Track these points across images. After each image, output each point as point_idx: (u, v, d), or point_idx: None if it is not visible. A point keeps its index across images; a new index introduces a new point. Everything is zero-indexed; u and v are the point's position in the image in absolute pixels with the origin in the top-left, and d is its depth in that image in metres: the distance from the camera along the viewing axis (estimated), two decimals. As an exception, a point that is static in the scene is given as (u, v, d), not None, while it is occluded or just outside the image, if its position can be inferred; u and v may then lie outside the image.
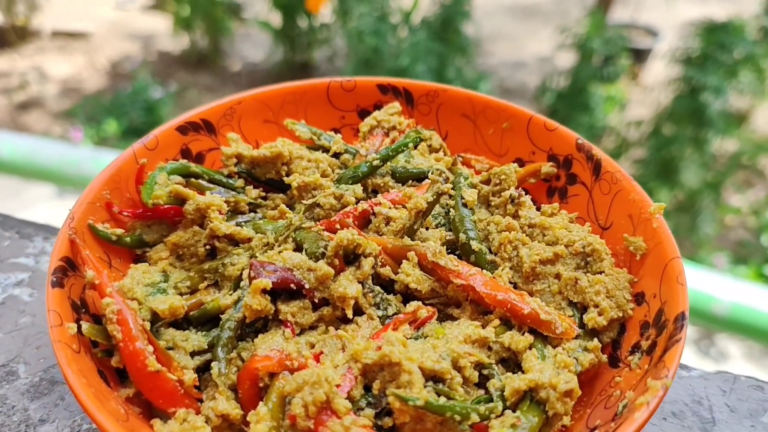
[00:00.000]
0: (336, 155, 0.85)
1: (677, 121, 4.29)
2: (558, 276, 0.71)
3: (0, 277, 0.93)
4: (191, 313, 0.69)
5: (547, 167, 0.84)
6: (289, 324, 0.66)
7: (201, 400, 0.63)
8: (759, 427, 0.79)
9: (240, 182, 0.83)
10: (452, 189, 0.76)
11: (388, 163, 0.81)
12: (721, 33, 4.09)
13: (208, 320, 0.70)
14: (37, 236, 1.01)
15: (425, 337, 0.66)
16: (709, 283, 3.57)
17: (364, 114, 0.93)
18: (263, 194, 0.83)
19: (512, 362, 0.67)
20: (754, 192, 5.17)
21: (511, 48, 7.05)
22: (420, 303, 0.68)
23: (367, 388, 0.61)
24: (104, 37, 7.14)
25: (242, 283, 0.69)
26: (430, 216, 0.76)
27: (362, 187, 0.79)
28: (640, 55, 6.39)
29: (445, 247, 0.73)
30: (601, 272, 0.71)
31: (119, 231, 0.74)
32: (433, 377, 0.61)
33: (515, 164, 0.81)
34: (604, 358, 0.68)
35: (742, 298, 3.45)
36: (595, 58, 4.72)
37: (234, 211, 0.79)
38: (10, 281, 0.93)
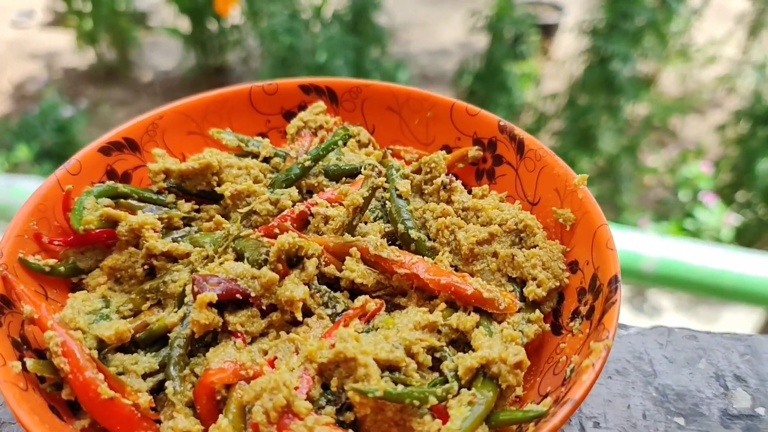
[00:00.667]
0: (266, 160, 0.85)
1: (590, 90, 4.45)
2: (495, 254, 0.74)
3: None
4: (137, 335, 0.68)
5: (474, 151, 0.87)
6: (239, 334, 0.66)
7: (159, 421, 0.63)
8: (696, 373, 0.84)
9: (171, 197, 0.81)
10: (386, 182, 0.77)
11: (320, 162, 0.82)
12: (623, 3, 4.26)
13: (156, 340, 0.69)
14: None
15: (376, 330, 0.67)
16: (635, 243, 3.73)
17: (289, 116, 0.93)
18: (196, 207, 0.82)
19: (461, 342, 0.69)
20: (668, 151, 5.42)
21: (425, 35, 7.12)
22: (367, 297, 0.70)
23: (325, 387, 0.62)
24: (3, 58, 6.80)
25: (186, 299, 0.68)
26: (367, 210, 0.77)
27: (297, 189, 0.79)
28: (548, 31, 6.59)
29: (385, 239, 0.74)
30: (535, 246, 0.74)
31: (52, 261, 0.72)
32: (389, 367, 0.62)
33: (443, 151, 0.83)
34: (547, 327, 0.71)
35: (667, 253, 3.62)
36: (507, 37, 4.84)
37: (168, 228, 0.78)
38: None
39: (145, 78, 6.65)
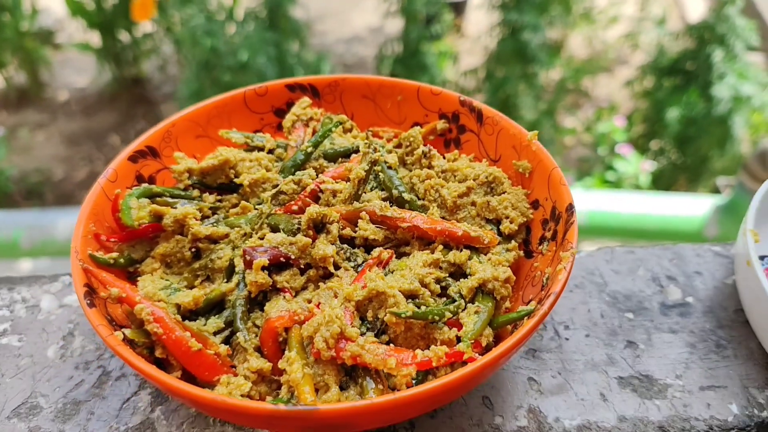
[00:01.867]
0: (270, 151, 1.01)
1: (505, 62, 4.66)
2: (474, 203, 0.93)
3: (-19, 333, 1.00)
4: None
5: (441, 124, 1.05)
6: (286, 289, 0.82)
7: (233, 366, 0.78)
8: (637, 279, 1.06)
9: (196, 192, 0.96)
10: (379, 156, 0.95)
11: (318, 147, 0.98)
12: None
13: (212, 308, 0.84)
14: (0, 289, 1.07)
15: (392, 272, 0.85)
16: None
17: (279, 113, 1.08)
18: (219, 198, 0.97)
19: (458, 273, 0.87)
20: (584, 111, 5.74)
21: (340, 24, 7.23)
22: (380, 249, 0.87)
23: (362, 319, 0.80)
24: None
25: (237, 269, 0.84)
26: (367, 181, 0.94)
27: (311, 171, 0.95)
28: (458, 8, 6.82)
29: (386, 202, 0.92)
30: (503, 192, 0.93)
31: (114, 255, 0.86)
32: (409, 296, 0.80)
33: (417, 127, 1.01)
34: (521, 253, 0.91)
35: (594, 205, 3.91)
36: (420, 19, 5.00)
37: (201, 217, 0.93)
38: (-8, 334, 1.00)
39: (61, 97, 6.47)
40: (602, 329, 0.98)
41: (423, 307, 0.78)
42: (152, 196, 0.92)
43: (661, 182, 4.73)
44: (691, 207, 3.67)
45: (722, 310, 1.01)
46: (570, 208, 0.83)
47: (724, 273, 1.07)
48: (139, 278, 0.84)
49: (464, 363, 0.73)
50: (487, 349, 0.77)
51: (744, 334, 0.97)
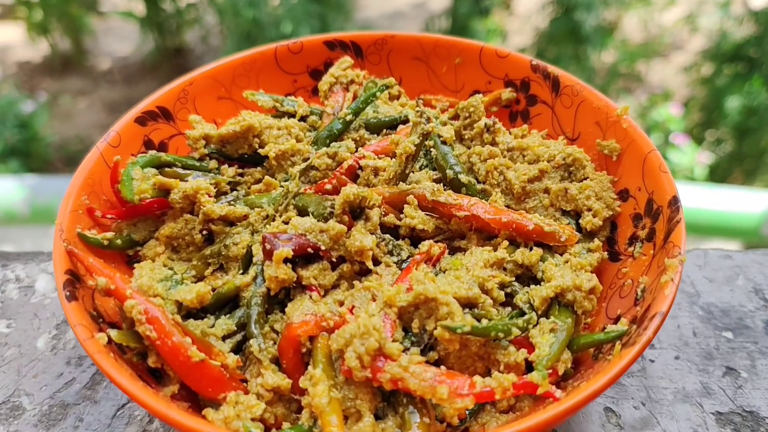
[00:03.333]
0: (302, 119, 0.85)
1: (557, 42, 4.48)
2: (547, 190, 0.76)
3: (-34, 316, 0.88)
4: (205, 299, 0.68)
5: (507, 93, 0.87)
6: (313, 288, 0.67)
7: (244, 380, 0.63)
8: (736, 290, 0.88)
9: (213, 163, 0.81)
10: (432, 128, 0.78)
11: (359, 116, 0.82)
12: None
13: (225, 303, 0.69)
14: (-7, 265, 0.95)
15: (443, 272, 0.69)
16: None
17: (315, 74, 0.92)
18: (240, 171, 0.81)
19: (526, 277, 0.70)
20: (636, 96, 5.49)
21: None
22: (431, 241, 0.71)
23: (404, 330, 0.64)
24: (-49, 57, 6.54)
25: (255, 259, 0.69)
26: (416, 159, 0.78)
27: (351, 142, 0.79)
28: (509, -16, 6.58)
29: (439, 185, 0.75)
30: (585, 178, 0.76)
31: (109, 234, 0.71)
32: (466, 304, 0.63)
33: (479, 95, 0.84)
34: (606, 255, 0.73)
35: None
36: (469, -5, 4.81)
37: (217, 193, 0.78)
38: (-22, 317, 0.88)
39: (103, 65, 6.48)
40: (695, 351, 0.81)
41: (484, 320, 0.61)
42: (161, 166, 0.77)
43: (717, 174, 4.49)
44: (749, 202, 3.44)
45: None
46: (674, 202, 0.66)
47: None
48: (136, 265, 0.69)
49: (537, 397, 0.56)
50: (565, 377, 0.60)
51: None
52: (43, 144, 5.09)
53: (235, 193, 0.79)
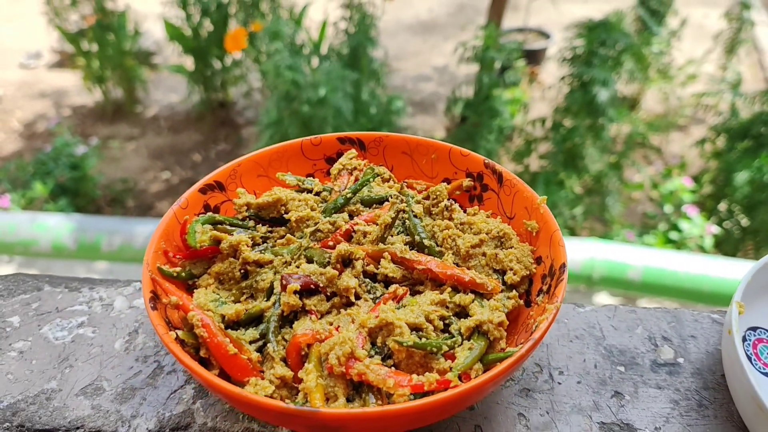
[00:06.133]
0: (317, 194, 1.18)
1: (573, 114, 4.72)
2: (484, 254, 1.06)
3: (65, 323, 1.20)
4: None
5: (467, 182, 1.19)
6: (313, 312, 0.98)
7: (262, 371, 0.94)
8: (634, 336, 1.16)
9: (251, 223, 1.13)
10: (405, 206, 1.10)
11: (357, 194, 1.14)
12: (600, 30, 4.57)
13: (252, 321, 1.01)
14: (83, 288, 1.28)
15: (404, 306, 0.99)
16: (622, 254, 4.01)
17: (329, 161, 1.25)
18: (270, 229, 1.14)
19: (462, 314, 1.00)
20: (654, 166, 5.69)
21: (415, 63, 7.47)
22: (397, 285, 1.01)
23: (372, 344, 0.94)
24: (13, 99, 7.04)
25: (275, 291, 1.00)
26: (393, 227, 1.09)
27: (346, 214, 1.11)
28: (536, 56, 6.89)
29: (407, 246, 1.07)
30: (511, 247, 1.06)
31: (177, 269, 1.04)
32: (415, 328, 0.94)
33: (444, 183, 1.16)
34: (521, 302, 1.03)
35: (651, 262, 3.91)
36: (495, 67, 5.12)
37: (253, 244, 1.10)
38: (72, 324, 1.20)
39: (150, 113, 6.89)
40: (593, 378, 1.09)
41: (424, 339, 0.92)
42: (214, 223, 1.10)
43: (727, 246, 4.64)
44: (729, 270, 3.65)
45: (710, 374, 1.09)
46: (563, 267, 0.96)
47: (717, 339, 1.15)
48: (195, 290, 1.02)
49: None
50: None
51: (726, 397, 1.06)
52: (91, 184, 5.45)
53: (265, 244, 1.11)
